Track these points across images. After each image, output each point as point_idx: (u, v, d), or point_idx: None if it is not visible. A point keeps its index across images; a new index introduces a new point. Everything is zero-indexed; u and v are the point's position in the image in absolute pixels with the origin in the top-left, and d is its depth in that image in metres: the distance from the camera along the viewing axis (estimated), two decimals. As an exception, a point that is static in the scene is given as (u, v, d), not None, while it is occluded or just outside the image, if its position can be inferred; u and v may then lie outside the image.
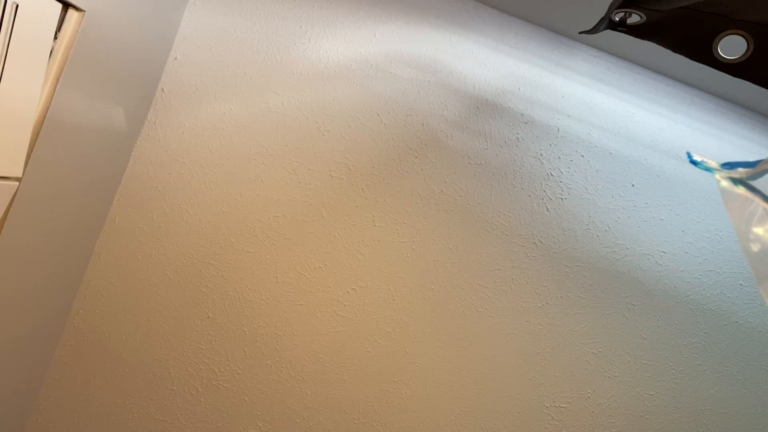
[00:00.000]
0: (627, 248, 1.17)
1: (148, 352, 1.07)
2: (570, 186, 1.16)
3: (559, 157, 1.15)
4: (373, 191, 1.11)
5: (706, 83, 1.15)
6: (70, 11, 0.70)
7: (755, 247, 0.43)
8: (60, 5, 0.67)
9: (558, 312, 1.16)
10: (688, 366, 1.18)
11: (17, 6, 0.58)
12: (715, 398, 1.19)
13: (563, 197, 1.15)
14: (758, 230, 0.43)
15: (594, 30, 0.73)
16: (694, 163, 0.49)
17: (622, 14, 0.68)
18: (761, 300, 1.20)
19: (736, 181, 0.46)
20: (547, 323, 1.15)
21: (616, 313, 1.17)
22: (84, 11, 0.71)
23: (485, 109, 1.14)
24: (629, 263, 1.17)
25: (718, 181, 0.47)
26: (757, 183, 0.46)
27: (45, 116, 0.71)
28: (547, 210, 1.15)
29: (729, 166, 0.47)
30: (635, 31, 0.70)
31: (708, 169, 0.48)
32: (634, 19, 0.68)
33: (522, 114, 1.14)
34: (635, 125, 1.17)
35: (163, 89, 1.06)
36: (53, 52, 0.70)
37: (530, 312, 1.15)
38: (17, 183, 0.69)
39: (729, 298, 1.20)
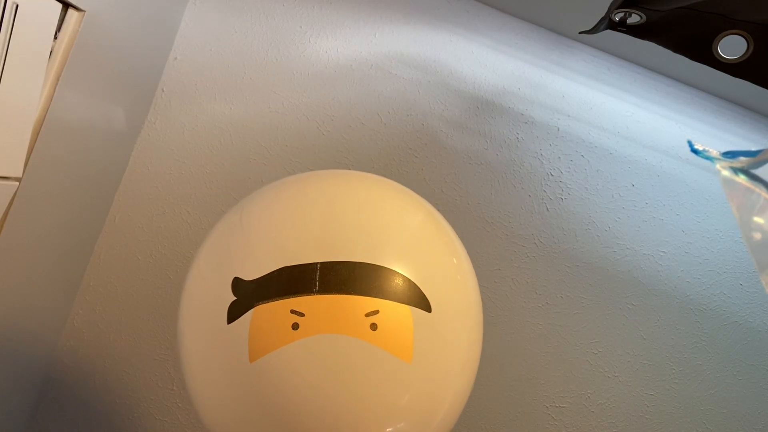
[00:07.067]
0: (627, 248, 1.17)
1: (148, 352, 1.07)
2: (570, 186, 1.16)
3: (559, 157, 1.15)
4: (373, 191, 1.11)
5: (706, 83, 1.15)
6: (70, 11, 0.70)
7: (757, 237, 0.42)
8: (60, 5, 0.67)
9: (558, 312, 1.16)
10: (688, 366, 1.18)
11: (17, 6, 0.58)
12: (715, 398, 1.19)
13: (563, 197, 1.15)
14: (759, 219, 0.43)
15: (594, 30, 0.73)
16: (695, 151, 0.48)
17: (622, 14, 0.68)
18: (761, 300, 1.20)
19: (737, 171, 0.45)
20: (547, 323, 1.15)
21: (616, 313, 1.17)
22: (84, 11, 0.71)
23: (485, 109, 1.14)
24: (629, 263, 1.17)
25: (718, 171, 0.46)
26: (758, 172, 0.45)
27: (45, 116, 0.71)
28: (547, 210, 1.15)
29: (730, 155, 0.46)
30: (635, 31, 0.70)
31: (709, 158, 0.48)
32: (634, 19, 0.68)
33: (522, 114, 1.14)
34: (635, 125, 1.17)
35: (163, 89, 1.06)
36: (53, 52, 0.70)
37: (530, 312, 1.15)
38: (17, 183, 0.69)
39: (729, 298, 1.20)
